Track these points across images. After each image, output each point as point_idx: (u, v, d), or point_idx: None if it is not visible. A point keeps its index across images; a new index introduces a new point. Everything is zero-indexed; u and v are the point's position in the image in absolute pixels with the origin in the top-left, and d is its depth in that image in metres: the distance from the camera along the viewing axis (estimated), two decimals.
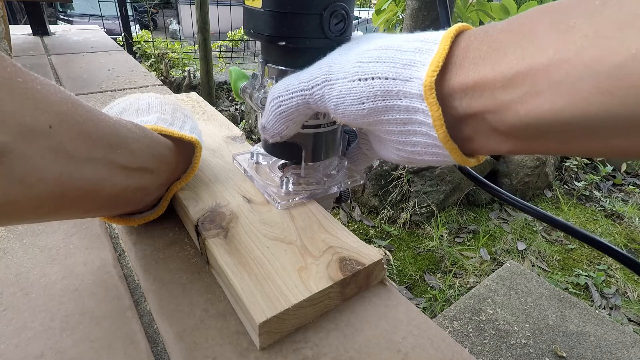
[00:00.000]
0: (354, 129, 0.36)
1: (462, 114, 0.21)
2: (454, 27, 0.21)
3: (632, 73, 0.14)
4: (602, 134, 0.16)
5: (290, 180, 0.35)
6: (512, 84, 0.18)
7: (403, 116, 0.22)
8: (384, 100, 0.22)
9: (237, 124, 2.44)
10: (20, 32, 1.25)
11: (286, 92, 0.27)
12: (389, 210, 1.85)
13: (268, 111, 0.28)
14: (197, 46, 2.63)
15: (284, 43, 0.28)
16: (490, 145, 0.21)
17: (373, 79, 0.22)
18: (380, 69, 0.22)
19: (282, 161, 0.38)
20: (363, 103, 0.23)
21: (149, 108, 0.35)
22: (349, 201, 1.95)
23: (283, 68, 0.30)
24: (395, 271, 1.55)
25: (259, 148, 0.39)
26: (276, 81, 0.29)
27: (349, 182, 0.37)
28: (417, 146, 0.23)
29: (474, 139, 0.22)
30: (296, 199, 0.35)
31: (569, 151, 0.19)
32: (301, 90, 0.26)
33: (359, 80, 0.23)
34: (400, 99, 0.22)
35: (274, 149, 0.35)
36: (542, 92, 0.16)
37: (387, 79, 0.22)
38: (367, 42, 0.24)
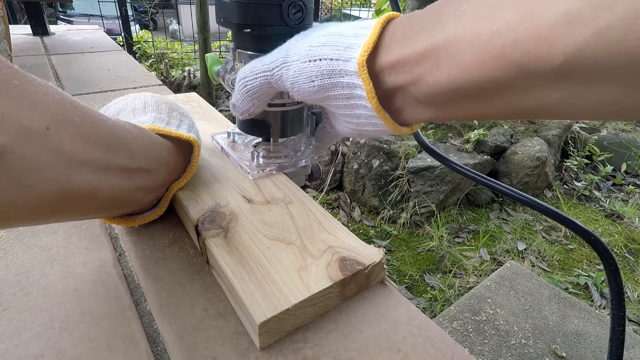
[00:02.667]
0: (320, 110, 0.40)
1: (391, 87, 0.24)
2: (385, 15, 0.24)
3: (495, 45, 0.18)
4: (486, 97, 0.20)
5: (261, 154, 0.39)
6: (423, 59, 0.21)
7: (346, 91, 0.26)
8: (329, 78, 0.26)
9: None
10: (20, 32, 1.25)
11: (251, 74, 0.30)
12: (389, 210, 1.85)
13: (237, 91, 0.32)
14: (197, 46, 2.63)
15: (249, 30, 0.32)
16: (416, 113, 0.25)
17: (321, 60, 0.26)
18: (326, 51, 0.25)
19: (256, 140, 0.42)
20: (313, 81, 0.26)
21: (145, 107, 0.35)
22: (348, 201, 1.95)
23: (250, 53, 0.34)
24: (395, 271, 1.55)
25: (235, 128, 0.42)
26: (244, 64, 0.32)
27: (316, 158, 0.42)
28: (360, 118, 0.27)
29: (403, 109, 0.26)
30: (266, 170, 0.39)
31: (472, 114, 0.23)
32: (264, 72, 0.29)
33: (309, 61, 0.26)
34: (343, 77, 0.25)
35: (246, 127, 0.38)
36: (442, 64, 0.20)
37: (331, 59, 0.25)
38: (320, 29, 0.28)
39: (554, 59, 0.16)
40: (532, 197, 0.30)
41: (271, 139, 0.38)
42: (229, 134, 0.43)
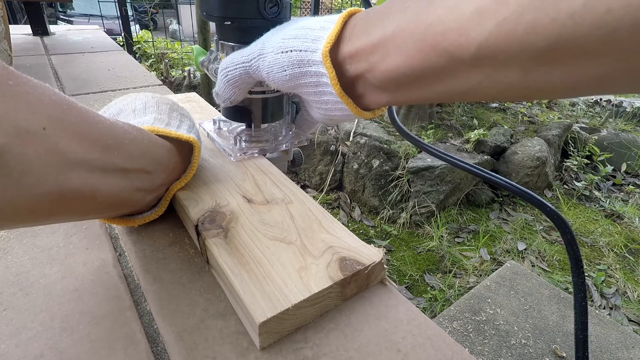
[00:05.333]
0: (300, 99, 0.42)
1: (352, 75, 0.27)
2: (347, 11, 0.27)
3: (430, 36, 0.20)
4: (427, 81, 0.23)
5: (243, 139, 0.42)
6: (376, 49, 0.24)
7: (314, 79, 0.28)
8: (299, 67, 0.28)
9: None
10: (20, 32, 1.25)
11: (231, 64, 0.33)
12: (389, 210, 1.85)
13: (219, 80, 0.35)
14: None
15: (229, 23, 0.34)
16: (375, 98, 0.28)
17: (291, 51, 0.28)
18: (296, 43, 0.28)
19: (240, 127, 0.44)
20: (285, 70, 0.29)
21: (146, 108, 0.35)
22: (348, 201, 1.95)
23: (231, 44, 0.36)
24: (395, 271, 1.55)
25: (220, 116, 0.45)
26: (226, 55, 0.34)
27: (296, 142, 0.44)
28: (328, 104, 0.29)
29: (364, 95, 0.28)
30: (248, 152, 0.41)
31: (419, 98, 0.25)
32: (242, 63, 0.32)
33: (282, 52, 0.28)
34: (311, 66, 0.27)
35: (230, 114, 0.41)
36: (391, 53, 0.23)
37: (300, 50, 0.27)
38: (294, 23, 0.30)
39: (470, 47, 0.19)
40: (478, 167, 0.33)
41: (252, 125, 0.41)
42: (214, 121, 0.45)
